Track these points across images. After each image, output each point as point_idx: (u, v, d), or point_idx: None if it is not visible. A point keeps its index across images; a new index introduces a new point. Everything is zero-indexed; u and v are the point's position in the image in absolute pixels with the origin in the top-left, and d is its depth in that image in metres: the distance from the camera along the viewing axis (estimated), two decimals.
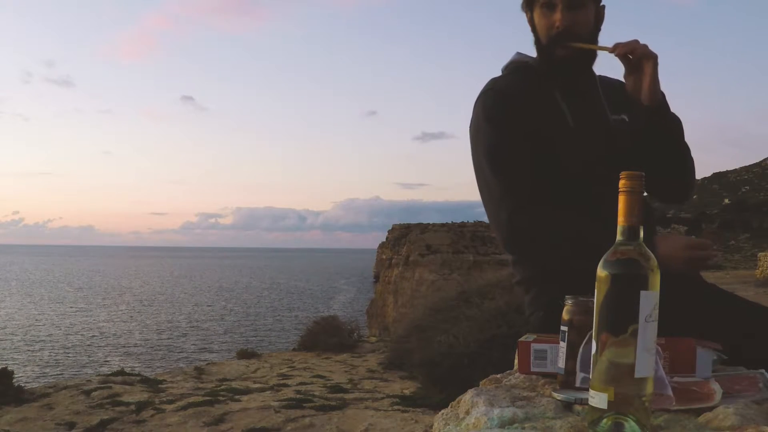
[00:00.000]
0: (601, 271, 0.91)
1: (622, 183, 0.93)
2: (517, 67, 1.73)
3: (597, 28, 1.68)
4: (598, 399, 0.88)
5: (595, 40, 1.66)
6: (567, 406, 1.05)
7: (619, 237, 0.92)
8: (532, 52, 1.73)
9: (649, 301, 0.87)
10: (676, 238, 1.51)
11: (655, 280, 0.89)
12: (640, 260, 0.89)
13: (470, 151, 1.70)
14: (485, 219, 1.70)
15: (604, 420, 0.87)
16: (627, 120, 1.70)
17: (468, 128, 1.71)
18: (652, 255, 0.90)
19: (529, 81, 1.67)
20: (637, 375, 0.87)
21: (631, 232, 0.92)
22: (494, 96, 1.65)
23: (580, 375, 1.08)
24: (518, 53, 1.75)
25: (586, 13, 1.63)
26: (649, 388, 0.89)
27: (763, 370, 1.20)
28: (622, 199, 0.93)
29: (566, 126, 1.62)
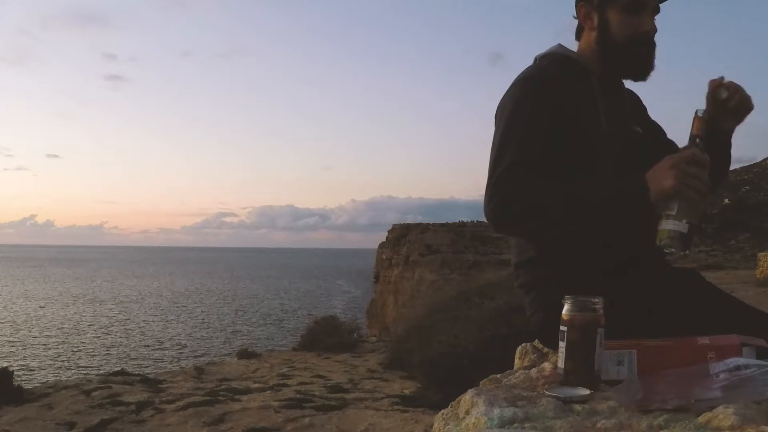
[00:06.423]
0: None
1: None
2: (558, 58, 1.68)
3: None
4: (682, 226, 1.29)
5: None
6: (567, 406, 1.05)
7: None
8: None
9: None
10: (663, 160, 1.40)
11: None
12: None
13: (493, 135, 1.59)
14: (485, 219, 1.61)
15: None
16: (641, 132, 1.68)
17: (494, 116, 1.62)
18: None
19: (571, 74, 1.62)
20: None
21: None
22: (536, 82, 1.59)
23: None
24: (560, 45, 1.71)
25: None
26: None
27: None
28: None
29: (599, 127, 1.58)
